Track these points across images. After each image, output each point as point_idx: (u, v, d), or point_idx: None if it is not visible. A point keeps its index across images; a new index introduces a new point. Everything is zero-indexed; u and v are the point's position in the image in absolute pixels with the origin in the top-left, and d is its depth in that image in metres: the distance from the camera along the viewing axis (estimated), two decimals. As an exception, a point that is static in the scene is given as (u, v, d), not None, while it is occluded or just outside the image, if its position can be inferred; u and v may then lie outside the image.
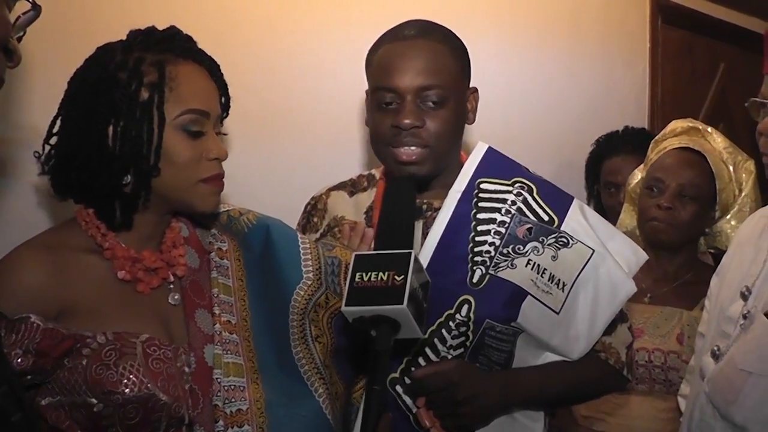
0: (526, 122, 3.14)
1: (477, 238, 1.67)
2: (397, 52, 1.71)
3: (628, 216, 2.57)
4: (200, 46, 1.48)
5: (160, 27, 1.47)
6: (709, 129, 2.41)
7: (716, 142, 2.38)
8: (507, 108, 3.06)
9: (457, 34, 1.80)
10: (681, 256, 2.43)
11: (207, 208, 1.47)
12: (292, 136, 2.45)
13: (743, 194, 2.38)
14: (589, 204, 3.19)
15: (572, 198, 1.77)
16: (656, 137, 2.52)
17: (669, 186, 2.36)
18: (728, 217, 2.39)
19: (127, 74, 1.38)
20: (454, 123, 1.74)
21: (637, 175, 2.54)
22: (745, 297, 1.78)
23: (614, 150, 3.04)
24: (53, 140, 1.44)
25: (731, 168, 2.35)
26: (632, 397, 2.33)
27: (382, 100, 1.71)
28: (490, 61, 3.01)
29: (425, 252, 1.65)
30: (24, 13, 1.07)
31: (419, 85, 1.68)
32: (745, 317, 1.76)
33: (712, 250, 2.48)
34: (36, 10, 1.06)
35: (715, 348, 1.81)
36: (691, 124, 2.45)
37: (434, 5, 2.75)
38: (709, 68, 3.87)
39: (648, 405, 2.32)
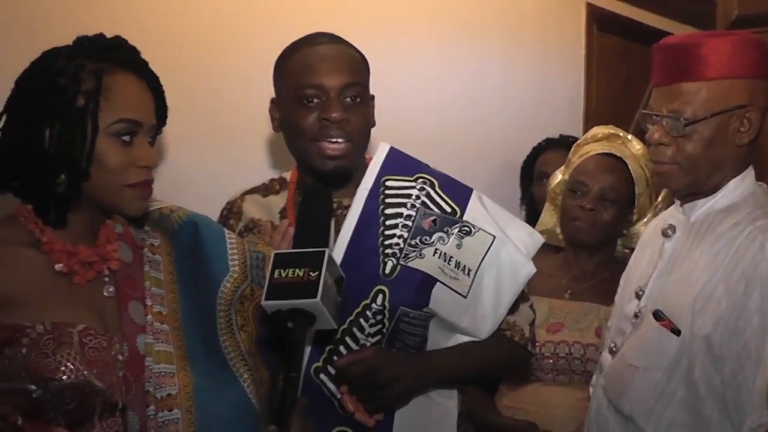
0: (465, 126, 3.27)
1: (386, 232, 1.79)
2: (317, 55, 1.83)
3: (548, 215, 2.70)
4: (142, 48, 1.56)
5: (105, 27, 1.54)
6: (629, 136, 2.56)
7: (635, 148, 2.53)
8: (445, 111, 3.18)
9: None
10: (600, 255, 2.57)
11: (133, 212, 1.55)
12: (226, 137, 2.55)
13: (659, 199, 2.53)
14: (522, 204, 3.34)
15: (471, 190, 1.90)
16: (578, 141, 2.65)
17: (591, 189, 2.50)
18: (644, 220, 2.53)
19: (66, 80, 1.45)
20: (369, 120, 1.89)
21: (558, 176, 2.67)
22: (638, 296, 1.93)
23: (548, 148, 3.19)
24: None
25: (649, 174, 2.48)
26: (553, 387, 2.46)
27: (304, 98, 1.81)
28: (429, 67, 3.13)
29: (339, 248, 1.76)
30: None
31: (343, 83, 1.81)
32: (636, 316, 1.90)
33: (627, 250, 2.61)
34: None
35: (612, 344, 1.96)
36: (611, 131, 2.59)
37: (376, 10, 2.86)
38: (643, 75, 3.91)
39: (567, 395, 2.44)
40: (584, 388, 2.39)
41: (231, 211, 2.01)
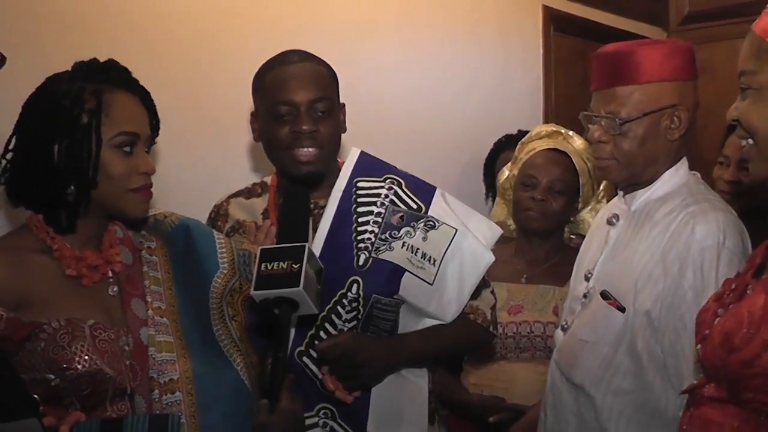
0: (431, 124, 3.37)
1: (359, 228, 1.97)
2: (288, 73, 2.00)
3: (499, 208, 2.88)
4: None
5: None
6: (570, 133, 2.75)
7: (577, 143, 2.72)
8: (412, 110, 3.27)
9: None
10: (550, 241, 2.76)
11: (137, 214, 1.72)
12: (213, 141, 2.68)
13: (600, 188, 2.74)
14: (487, 198, 3.52)
15: (435, 188, 2.07)
16: (523, 140, 2.84)
17: (541, 182, 2.69)
18: (588, 208, 2.74)
19: (70, 101, 1.62)
20: (339, 129, 2.06)
21: (506, 172, 2.86)
22: (587, 278, 2.11)
23: (509, 145, 3.34)
24: (9, 156, 1.66)
25: (590, 166, 2.68)
26: (517, 364, 2.64)
27: (278, 113, 1.99)
28: (393, 66, 3.21)
29: (316, 243, 1.93)
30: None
31: (311, 98, 1.98)
32: (585, 296, 2.08)
33: (574, 236, 2.81)
34: (3, 60, 1.31)
35: (564, 322, 2.14)
36: (554, 129, 2.79)
37: (340, 11, 2.99)
38: None
39: (530, 370, 2.62)
40: (546, 363, 2.50)
41: (218, 214, 2.17)
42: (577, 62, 4.07)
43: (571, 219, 2.79)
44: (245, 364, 1.77)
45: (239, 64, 2.64)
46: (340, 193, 2.00)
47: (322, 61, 2.08)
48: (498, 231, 2.13)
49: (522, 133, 3.37)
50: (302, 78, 1.99)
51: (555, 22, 3.94)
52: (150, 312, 1.71)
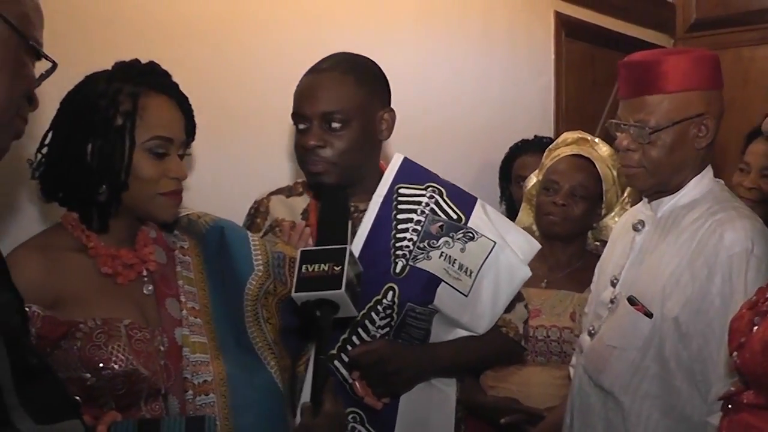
0: (446, 127, 3.37)
1: (398, 235, 1.95)
2: (307, 84, 1.97)
3: (525, 214, 2.89)
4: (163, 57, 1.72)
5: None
6: (596, 140, 2.76)
7: (602, 150, 2.73)
8: (426, 113, 3.26)
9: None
10: (572, 246, 2.76)
11: (165, 218, 1.72)
12: (241, 145, 2.65)
13: (625, 195, 2.74)
14: (501, 201, 3.53)
15: (476, 198, 2.06)
16: (550, 146, 2.85)
17: (563, 187, 2.69)
18: (612, 214, 2.74)
19: (106, 102, 1.62)
20: (359, 141, 1.96)
21: (533, 179, 2.87)
22: (613, 284, 2.12)
23: (525, 150, 3.36)
24: (44, 150, 1.66)
25: (615, 173, 2.69)
26: (532, 368, 2.63)
27: (297, 125, 1.97)
28: (405, 71, 3.17)
29: (354, 248, 1.90)
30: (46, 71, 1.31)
31: (323, 111, 1.92)
32: (612, 301, 2.09)
33: (598, 242, 2.81)
34: (54, 66, 1.32)
35: (591, 328, 2.15)
36: (580, 135, 2.79)
37: (358, 18, 2.99)
38: (609, 77, 4.01)
39: (546, 374, 2.62)
40: (561, 367, 2.59)
41: (258, 210, 2.14)
42: (587, 67, 4.10)
43: (594, 225, 2.80)
44: (279, 366, 1.77)
45: (257, 62, 2.68)
46: (381, 199, 2.00)
47: (359, 66, 2.03)
48: (536, 246, 2.12)
49: (539, 139, 3.41)
50: (319, 89, 1.95)
51: (566, 27, 3.95)
52: (184, 312, 1.70)
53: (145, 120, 1.64)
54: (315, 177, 1.97)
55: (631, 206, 2.62)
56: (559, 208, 2.70)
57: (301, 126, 1.96)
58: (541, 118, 3.85)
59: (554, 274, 2.75)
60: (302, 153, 1.97)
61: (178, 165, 1.70)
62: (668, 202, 2.09)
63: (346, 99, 1.95)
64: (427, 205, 2.00)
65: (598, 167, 2.71)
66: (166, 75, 1.73)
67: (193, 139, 1.77)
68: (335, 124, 1.93)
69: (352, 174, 1.99)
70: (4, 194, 2.11)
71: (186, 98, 1.74)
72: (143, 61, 1.73)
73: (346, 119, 1.94)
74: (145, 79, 1.68)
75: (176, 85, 1.73)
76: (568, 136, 2.84)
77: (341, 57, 2.03)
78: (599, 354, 2.08)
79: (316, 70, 1.99)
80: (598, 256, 2.37)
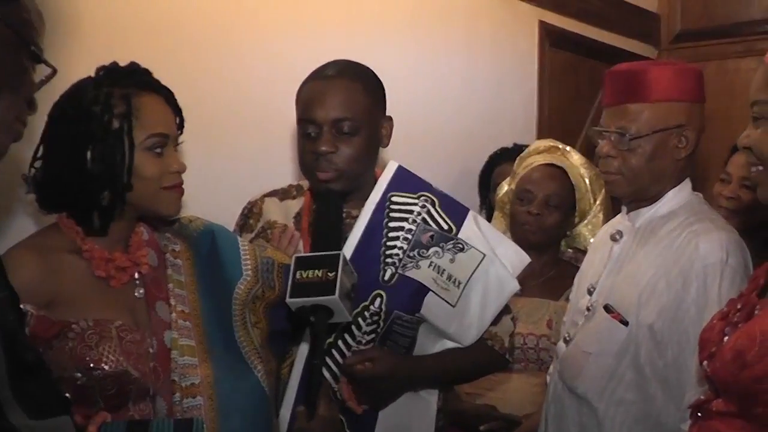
0: (428, 134, 3.37)
1: (388, 243, 1.97)
2: (317, 90, 1.97)
3: (498, 222, 2.90)
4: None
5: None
6: (568, 148, 2.81)
7: (574, 159, 2.78)
8: (409, 120, 3.25)
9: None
10: (546, 255, 2.79)
11: (171, 211, 1.75)
12: (237, 149, 2.66)
13: (597, 203, 2.78)
14: (481, 209, 3.56)
15: (468, 210, 2.09)
16: (521, 154, 2.89)
17: (537, 196, 2.74)
18: (585, 222, 2.79)
19: (100, 107, 1.64)
20: (367, 148, 1.99)
21: (504, 186, 2.90)
22: (590, 292, 2.17)
23: (505, 158, 3.36)
24: (37, 164, 1.67)
25: (587, 181, 2.74)
26: (509, 374, 2.66)
27: (305, 130, 1.97)
28: (388, 78, 3.23)
29: (345, 253, 1.90)
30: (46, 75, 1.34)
31: (334, 118, 1.94)
32: (588, 309, 2.14)
33: (571, 250, 2.86)
34: (54, 72, 1.35)
35: (566, 335, 2.19)
36: (552, 144, 2.84)
37: (347, 24, 3.01)
38: (592, 87, 4.09)
39: (523, 381, 2.66)
40: (538, 374, 2.62)
41: (252, 211, 2.15)
42: (570, 77, 4.12)
43: (568, 233, 2.84)
44: (265, 370, 1.80)
45: (255, 63, 2.69)
46: (373, 206, 2.00)
47: (363, 74, 2.05)
48: (526, 259, 2.13)
49: (517, 147, 3.41)
50: (329, 95, 1.96)
51: (550, 37, 3.97)
52: (173, 315, 1.72)
53: (140, 120, 1.67)
54: (324, 184, 1.96)
55: (604, 214, 2.68)
56: (534, 217, 2.73)
57: (311, 132, 1.96)
58: (524, 127, 3.87)
59: (529, 282, 2.73)
60: (311, 159, 1.96)
61: (177, 158, 1.73)
62: (646, 213, 2.14)
63: (356, 106, 1.97)
64: (419, 214, 2.01)
65: (570, 176, 2.75)
66: (148, 73, 1.75)
67: (182, 132, 1.79)
68: (345, 131, 1.95)
69: (357, 181, 2.01)
70: (3, 195, 2.13)
71: (172, 93, 1.76)
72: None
73: (357, 126, 1.96)
74: (132, 80, 1.70)
75: (160, 82, 1.75)
76: (540, 144, 2.88)
77: (345, 64, 2.04)
78: (574, 360, 2.12)
79: (323, 77, 1.99)
80: (572, 264, 2.41)
